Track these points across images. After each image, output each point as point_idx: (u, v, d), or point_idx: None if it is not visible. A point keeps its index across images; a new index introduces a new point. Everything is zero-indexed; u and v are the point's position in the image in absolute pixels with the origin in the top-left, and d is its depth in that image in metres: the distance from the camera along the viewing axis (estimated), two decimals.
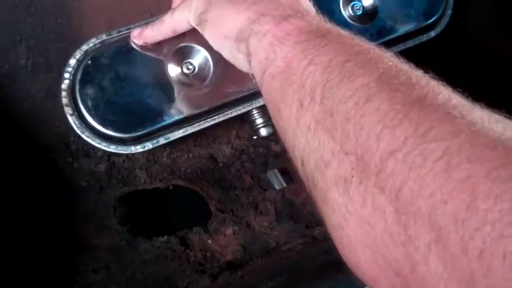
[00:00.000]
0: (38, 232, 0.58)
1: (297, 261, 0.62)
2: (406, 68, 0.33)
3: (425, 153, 0.26)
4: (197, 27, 0.48)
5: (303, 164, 0.35)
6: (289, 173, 0.67)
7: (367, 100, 0.30)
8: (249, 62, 0.42)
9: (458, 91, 0.30)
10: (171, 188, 0.65)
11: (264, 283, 0.58)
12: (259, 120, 0.60)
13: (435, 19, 0.64)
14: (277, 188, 0.66)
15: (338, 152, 0.31)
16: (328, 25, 0.39)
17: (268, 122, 0.61)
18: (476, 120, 0.27)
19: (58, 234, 0.59)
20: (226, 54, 0.46)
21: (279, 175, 0.65)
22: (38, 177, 0.60)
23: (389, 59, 0.34)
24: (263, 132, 0.61)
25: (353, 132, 0.30)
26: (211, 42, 0.47)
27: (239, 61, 0.45)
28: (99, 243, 0.61)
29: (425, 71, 0.32)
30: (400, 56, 0.34)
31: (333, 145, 0.31)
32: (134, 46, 0.54)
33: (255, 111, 0.60)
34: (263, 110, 0.60)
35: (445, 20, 0.65)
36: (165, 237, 0.62)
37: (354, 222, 0.29)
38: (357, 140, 0.30)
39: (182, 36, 0.53)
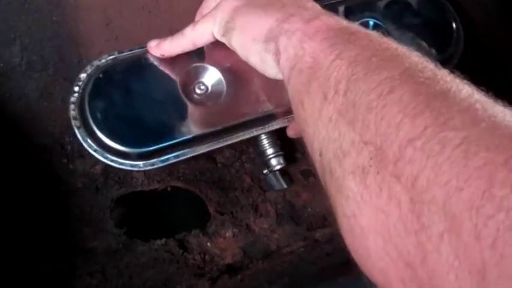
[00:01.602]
0: (32, 235, 0.58)
1: (298, 265, 0.61)
2: (431, 65, 0.33)
3: (444, 141, 0.26)
4: (223, 38, 0.49)
5: (320, 155, 0.35)
6: (290, 174, 0.67)
7: (390, 91, 0.31)
8: (278, 61, 0.43)
9: (482, 89, 0.30)
10: (169, 189, 0.64)
11: (264, 287, 0.57)
12: (270, 151, 0.60)
13: (448, 55, 0.65)
14: (277, 189, 0.65)
15: (358, 142, 0.31)
16: (357, 25, 0.41)
17: (280, 152, 0.61)
18: (498, 113, 0.27)
19: (53, 237, 0.58)
20: (254, 58, 0.46)
21: (279, 176, 0.64)
22: (32, 178, 0.59)
23: (416, 56, 0.34)
24: (274, 162, 0.61)
25: (374, 123, 0.30)
26: (238, 50, 0.48)
27: (267, 62, 0.45)
28: (96, 246, 0.60)
29: (451, 71, 0.33)
30: (425, 56, 0.35)
31: (353, 135, 0.32)
32: (150, 57, 0.54)
33: (265, 141, 0.59)
34: (274, 139, 0.60)
35: (456, 57, 0.66)
36: (163, 240, 0.61)
37: (368, 211, 0.30)
38: (377, 130, 0.30)
39: (196, 56, 0.54)
